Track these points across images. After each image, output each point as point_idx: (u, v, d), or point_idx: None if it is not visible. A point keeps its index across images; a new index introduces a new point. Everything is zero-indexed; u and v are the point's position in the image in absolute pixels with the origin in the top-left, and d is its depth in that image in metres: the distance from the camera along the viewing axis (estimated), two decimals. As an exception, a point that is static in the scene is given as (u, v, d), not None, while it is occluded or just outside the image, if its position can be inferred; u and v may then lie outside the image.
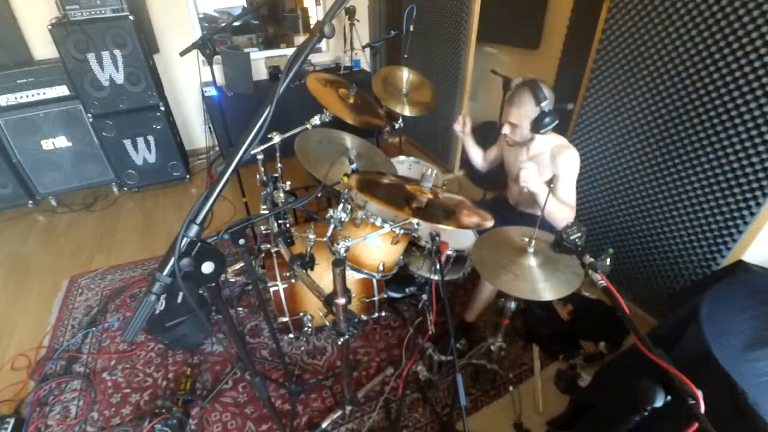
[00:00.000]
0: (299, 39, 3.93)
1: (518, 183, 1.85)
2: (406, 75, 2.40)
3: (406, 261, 1.73)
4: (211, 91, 3.37)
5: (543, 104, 1.57)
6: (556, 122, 1.60)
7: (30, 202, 3.18)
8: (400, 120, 2.40)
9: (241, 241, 1.05)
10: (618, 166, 2.08)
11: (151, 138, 3.24)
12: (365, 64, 3.98)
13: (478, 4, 2.70)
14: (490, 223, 1.34)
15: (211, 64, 1.98)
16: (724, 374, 1.01)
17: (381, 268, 1.54)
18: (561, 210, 1.64)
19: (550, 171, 1.69)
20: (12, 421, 1.70)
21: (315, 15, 3.88)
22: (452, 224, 1.26)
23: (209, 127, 3.77)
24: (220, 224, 2.97)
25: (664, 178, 1.87)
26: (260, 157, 1.79)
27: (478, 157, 2.09)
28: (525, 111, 1.62)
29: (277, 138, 1.82)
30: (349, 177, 1.39)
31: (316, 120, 1.92)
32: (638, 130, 1.93)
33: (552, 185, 1.71)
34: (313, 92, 1.97)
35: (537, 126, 1.60)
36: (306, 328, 1.82)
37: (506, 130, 1.71)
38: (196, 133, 3.95)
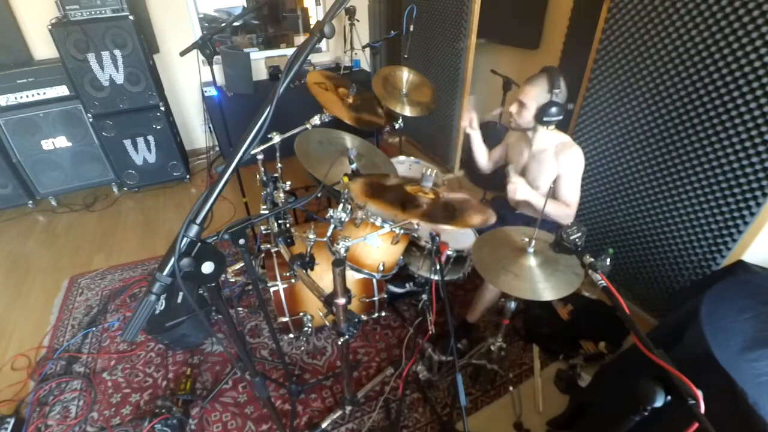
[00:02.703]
0: (299, 39, 3.93)
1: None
2: (406, 75, 2.40)
3: (406, 261, 1.73)
4: (211, 91, 3.37)
5: (555, 92, 1.57)
6: (561, 117, 1.60)
7: (30, 202, 3.18)
8: (400, 120, 2.40)
9: (241, 241, 1.04)
10: (618, 166, 2.08)
11: (151, 138, 3.24)
12: (365, 64, 3.98)
13: (478, 4, 2.70)
14: (493, 220, 1.34)
15: (211, 64, 1.98)
16: (724, 374, 1.01)
17: (381, 268, 1.54)
18: (558, 210, 1.66)
19: (554, 169, 1.69)
20: (12, 421, 1.70)
21: (315, 15, 3.89)
22: (458, 224, 1.26)
23: (209, 127, 3.77)
24: (220, 224, 2.97)
25: (664, 178, 1.87)
26: (260, 157, 1.79)
27: (483, 156, 2.07)
28: (536, 92, 1.62)
29: (277, 138, 1.82)
30: (350, 179, 1.39)
31: (316, 120, 1.92)
32: (638, 129, 1.93)
33: (553, 185, 1.72)
34: (313, 92, 1.98)
35: (542, 113, 1.60)
36: (306, 328, 1.82)
37: (513, 108, 1.71)
38: (196, 133, 3.95)
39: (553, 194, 1.75)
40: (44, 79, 2.86)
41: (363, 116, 2.06)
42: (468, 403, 1.82)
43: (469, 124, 1.95)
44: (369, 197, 1.27)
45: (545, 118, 1.60)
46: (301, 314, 1.81)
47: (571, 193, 1.69)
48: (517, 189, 1.64)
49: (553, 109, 1.58)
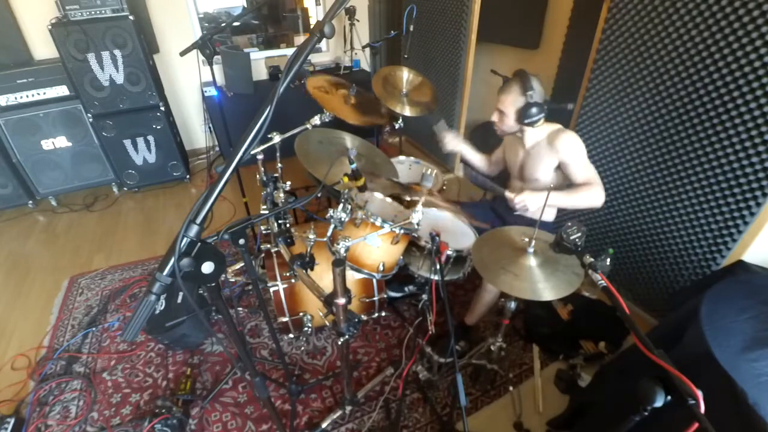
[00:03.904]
0: (299, 39, 3.93)
1: (521, 180, 1.86)
2: (406, 75, 2.40)
3: (406, 261, 1.73)
4: (211, 91, 3.37)
5: (529, 93, 1.58)
6: (543, 114, 1.62)
7: (30, 202, 3.18)
8: (400, 120, 2.40)
9: (241, 241, 1.04)
10: (618, 166, 2.08)
11: (151, 138, 3.24)
12: (365, 64, 3.98)
13: (478, 4, 2.70)
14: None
15: (211, 64, 1.98)
16: (724, 374, 1.01)
17: (381, 268, 1.54)
18: (582, 193, 1.61)
19: (554, 158, 1.68)
20: (12, 421, 1.70)
21: (315, 15, 3.89)
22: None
23: (209, 127, 3.77)
24: (220, 224, 2.97)
25: (664, 178, 1.87)
26: (260, 157, 1.79)
27: (482, 163, 2.07)
28: (511, 99, 1.64)
29: (277, 138, 1.82)
30: (350, 179, 1.39)
31: (316, 120, 1.92)
32: (638, 129, 1.93)
33: (556, 172, 1.71)
34: (314, 96, 1.98)
35: (522, 116, 1.62)
36: (306, 328, 1.82)
37: (494, 117, 1.74)
38: (196, 133, 3.95)
39: (565, 183, 1.73)
40: (44, 79, 2.86)
41: (363, 116, 2.05)
42: (468, 403, 1.82)
43: (452, 146, 1.98)
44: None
45: (527, 120, 1.63)
46: (301, 314, 1.81)
47: (585, 173, 1.65)
48: (526, 202, 1.60)
49: (533, 110, 1.60)
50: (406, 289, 2.26)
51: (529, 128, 1.69)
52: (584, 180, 1.65)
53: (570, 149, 1.64)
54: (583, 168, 1.65)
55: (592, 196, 1.62)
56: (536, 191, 1.63)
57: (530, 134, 1.73)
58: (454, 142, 1.98)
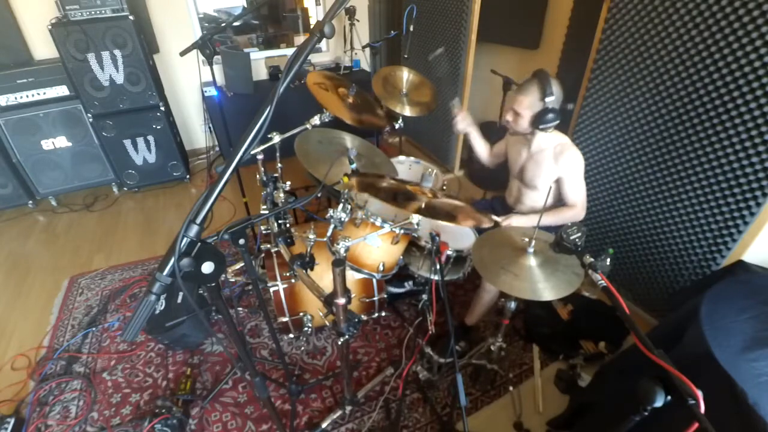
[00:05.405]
0: (299, 39, 3.93)
1: (521, 181, 1.86)
2: (406, 75, 2.40)
3: (406, 261, 1.73)
4: (211, 91, 3.37)
5: (548, 99, 1.56)
6: (558, 121, 1.61)
7: (30, 202, 3.18)
8: (400, 120, 2.40)
9: (241, 241, 1.04)
10: (618, 166, 2.08)
11: (151, 138, 3.24)
12: (365, 64, 3.98)
13: (478, 4, 2.70)
14: (488, 224, 1.36)
15: (211, 64, 1.98)
16: (724, 374, 1.01)
17: (381, 268, 1.54)
18: (561, 216, 1.70)
19: (552, 170, 1.70)
20: (12, 421, 1.70)
21: (315, 15, 3.88)
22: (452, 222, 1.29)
23: (209, 127, 3.77)
24: (220, 224, 2.97)
25: (664, 178, 1.87)
26: (260, 157, 1.79)
27: (483, 151, 2.07)
28: (529, 102, 1.61)
29: (277, 138, 1.82)
30: (350, 178, 1.40)
31: (316, 120, 1.92)
32: (638, 130, 1.93)
33: (554, 184, 1.73)
34: (313, 92, 1.98)
35: (537, 120, 1.61)
36: (306, 328, 1.82)
37: (509, 116, 1.72)
38: (196, 133, 3.95)
39: (557, 196, 1.76)
40: (44, 79, 2.86)
41: (363, 116, 2.05)
42: (468, 403, 1.82)
43: (464, 124, 1.97)
44: (367, 190, 1.28)
45: (541, 126, 1.62)
46: (301, 314, 1.81)
47: (576, 192, 1.71)
48: (511, 224, 1.71)
49: (549, 116, 1.59)
50: (406, 284, 2.26)
51: (540, 132, 1.68)
52: (573, 200, 1.72)
53: (571, 168, 1.67)
54: (576, 186, 1.71)
55: (573, 217, 1.72)
56: (523, 214, 1.78)
57: (539, 139, 1.72)
58: (466, 122, 1.98)
